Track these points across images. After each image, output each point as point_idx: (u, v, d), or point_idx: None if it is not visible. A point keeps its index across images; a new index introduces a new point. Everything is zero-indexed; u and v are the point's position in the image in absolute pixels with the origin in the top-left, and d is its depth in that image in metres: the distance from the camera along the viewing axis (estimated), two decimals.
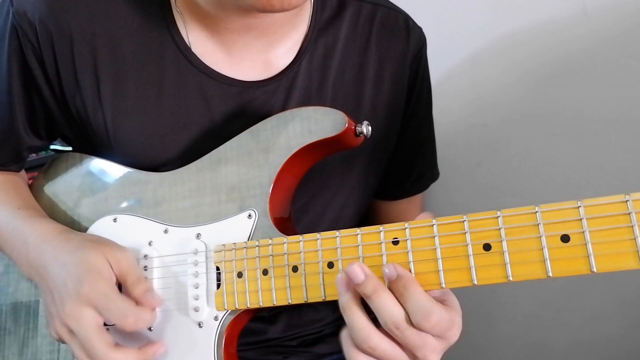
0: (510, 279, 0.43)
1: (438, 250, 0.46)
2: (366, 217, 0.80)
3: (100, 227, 0.64)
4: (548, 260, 0.42)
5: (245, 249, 0.55)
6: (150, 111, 0.64)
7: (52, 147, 1.04)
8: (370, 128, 0.56)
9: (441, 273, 0.46)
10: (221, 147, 0.60)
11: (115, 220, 0.63)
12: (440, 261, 0.46)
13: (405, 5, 0.76)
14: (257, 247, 0.54)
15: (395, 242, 0.48)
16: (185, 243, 0.59)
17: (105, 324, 0.57)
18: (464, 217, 0.45)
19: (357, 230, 0.50)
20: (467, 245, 0.45)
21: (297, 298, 0.51)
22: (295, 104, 0.66)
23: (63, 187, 0.69)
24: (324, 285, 0.50)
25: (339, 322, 0.49)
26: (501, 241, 0.44)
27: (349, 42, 0.70)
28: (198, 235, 0.59)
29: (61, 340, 0.58)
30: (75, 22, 0.63)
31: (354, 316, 0.46)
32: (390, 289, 0.46)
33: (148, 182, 0.63)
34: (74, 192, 0.68)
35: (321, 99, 0.68)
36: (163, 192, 0.62)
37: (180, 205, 0.61)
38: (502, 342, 1.12)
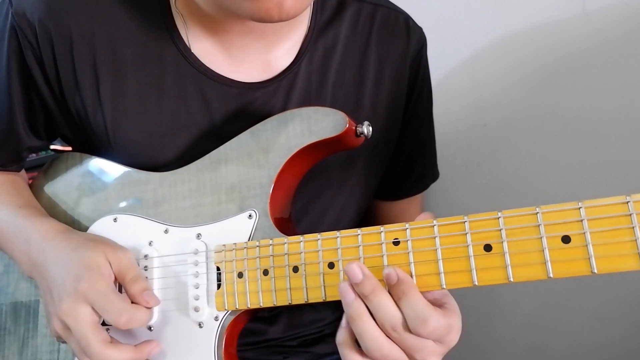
0: (511, 279, 0.43)
1: (439, 251, 0.46)
2: (366, 217, 0.80)
3: (101, 227, 0.64)
4: (549, 261, 0.42)
5: (245, 249, 0.55)
6: (150, 112, 0.64)
7: (52, 147, 1.04)
8: (370, 128, 0.56)
9: (442, 274, 0.46)
10: (221, 148, 0.60)
11: (115, 220, 0.63)
12: (440, 262, 0.46)
13: (405, 5, 0.76)
14: (257, 248, 0.54)
15: (396, 243, 0.48)
16: (186, 243, 0.59)
17: (106, 324, 0.57)
18: (465, 217, 0.45)
19: (358, 231, 0.50)
20: (467, 246, 0.45)
21: (297, 298, 0.51)
22: (295, 105, 0.66)
23: (63, 187, 0.69)
24: (324, 285, 0.50)
25: (339, 322, 0.49)
26: (502, 242, 0.44)
27: (349, 42, 0.70)
28: (198, 236, 0.59)
29: (61, 339, 0.58)
30: (75, 23, 0.63)
31: (366, 325, 0.46)
32: (389, 291, 0.46)
33: (148, 182, 0.63)
34: (73, 191, 0.68)
35: (321, 100, 0.67)
36: (163, 192, 0.62)
37: (181, 205, 0.61)
38: (502, 342, 1.12)
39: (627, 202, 0.40)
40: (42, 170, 0.73)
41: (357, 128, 0.56)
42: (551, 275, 0.42)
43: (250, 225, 0.56)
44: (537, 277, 0.42)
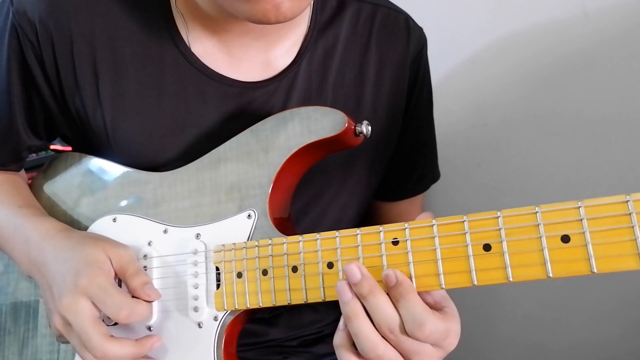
0: (511, 279, 0.43)
1: (438, 251, 0.46)
2: (367, 218, 0.80)
3: (100, 227, 0.64)
4: (548, 261, 0.42)
5: (244, 249, 0.55)
6: (149, 111, 0.64)
7: (51, 147, 1.04)
8: (370, 128, 0.56)
9: (441, 274, 0.45)
10: (220, 147, 0.60)
11: (114, 220, 0.63)
12: (440, 262, 0.46)
13: (405, 5, 0.75)
14: (256, 247, 0.54)
15: (395, 243, 0.48)
16: (185, 243, 0.59)
17: (108, 324, 0.57)
18: (464, 217, 0.45)
19: (357, 231, 0.50)
20: (467, 245, 0.45)
21: (296, 299, 0.51)
22: (295, 104, 0.66)
23: (62, 187, 0.69)
24: (323, 285, 0.50)
25: (339, 322, 0.49)
26: (501, 241, 0.44)
27: (349, 42, 0.70)
28: (197, 236, 0.59)
29: (61, 339, 0.58)
30: (75, 22, 0.63)
31: (362, 325, 0.46)
32: (387, 293, 0.46)
33: (148, 182, 0.63)
34: (73, 191, 0.68)
35: (321, 100, 0.67)
36: (163, 192, 0.62)
37: (180, 205, 0.61)
38: (502, 342, 1.12)
39: (627, 202, 0.40)
40: (41, 170, 0.73)
41: (357, 127, 0.56)
42: (551, 275, 0.42)
43: (249, 225, 0.56)
44: (536, 276, 0.42)
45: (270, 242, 0.53)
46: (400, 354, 0.46)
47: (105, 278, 0.54)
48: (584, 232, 0.41)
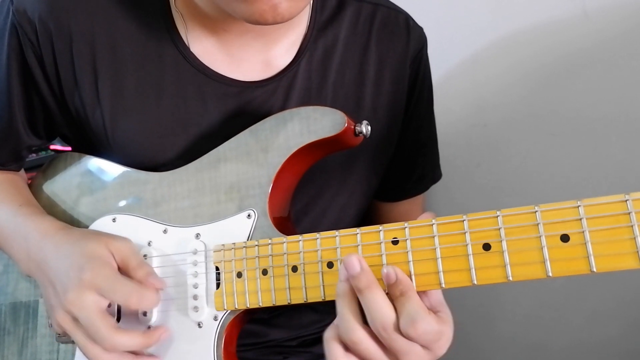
0: (510, 278, 0.43)
1: (438, 250, 0.46)
2: (367, 218, 0.80)
3: (100, 227, 0.64)
4: (548, 260, 0.42)
5: (244, 249, 0.55)
6: (149, 111, 0.64)
7: (51, 147, 1.04)
8: (369, 128, 0.56)
9: (441, 273, 0.45)
10: (220, 147, 0.60)
11: (114, 220, 0.63)
12: (439, 261, 0.46)
13: (406, 5, 0.75)
14: (256, 247, 0.54)
15: (395, 242, 0.48)
16: (185, 243, 0.59)
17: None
18: (464, 216, 0.45)
19: (357, 230, 0.50)
20: (466, 245, 0.45)
21: (296, 298, 0.51)
22: (295, 104, 0.66)
23: (62, 187, 0.69)
24: (323, 285, 0.50)
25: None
26: (501, 241, 0.44)
27: (349, 42, 0.70)
28: (197, 235, 0.59)
29: (61, 338, 0.58)
30: (75, 22, 0.63)
31: (346, 305, 0.46)
32: (387, 291, 0.46)
33: (147, 182, 0.63)
34: (73, 191, 0.68)
35: (321, 100, 0.67)
36: (162, 192, 0.62)
37: (180, 205, 0.61)
38: (502, 342, 1.12)
39: (626, 201, 0.40)
40: (41, 170, 0.73)
41: (356, 127, 0.56)
42: (550, 274, 0.42)
43: (249, 225, 0.56)
44: (536, 275, 0.42)
45: (270, 241, 0.53)
46: (387, 354, 0.45)
47: (110, 268, 0.55)
48: (583, 232, 0.41)
